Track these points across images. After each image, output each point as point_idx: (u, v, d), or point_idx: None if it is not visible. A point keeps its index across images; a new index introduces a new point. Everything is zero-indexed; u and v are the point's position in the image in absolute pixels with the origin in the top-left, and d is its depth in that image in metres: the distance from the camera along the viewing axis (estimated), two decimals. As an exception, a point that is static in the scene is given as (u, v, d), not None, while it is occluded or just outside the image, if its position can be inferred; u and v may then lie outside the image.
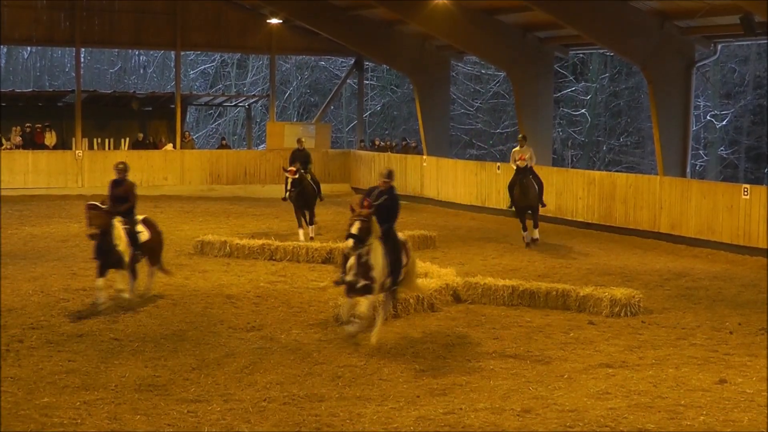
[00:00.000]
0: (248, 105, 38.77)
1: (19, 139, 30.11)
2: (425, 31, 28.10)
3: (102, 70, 51.25)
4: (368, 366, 11.02)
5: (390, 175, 12.60)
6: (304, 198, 20.50)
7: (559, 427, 9.00)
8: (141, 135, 32.04)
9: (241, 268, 17.23)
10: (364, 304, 11.80)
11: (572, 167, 39.60)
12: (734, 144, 43.12)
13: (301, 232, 20.38)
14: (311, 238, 20.15)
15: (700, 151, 42.35)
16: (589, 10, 22.51)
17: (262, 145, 41.99)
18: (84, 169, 29.40)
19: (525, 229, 20.38)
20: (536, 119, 26.82)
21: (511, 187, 20.39)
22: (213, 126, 49.92)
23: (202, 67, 50.46)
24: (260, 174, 31.65)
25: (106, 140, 31.98)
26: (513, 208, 20.71)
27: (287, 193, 20.39)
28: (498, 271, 17.20)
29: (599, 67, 45.02)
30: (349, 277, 11.90)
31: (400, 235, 12.81)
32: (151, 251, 14.27)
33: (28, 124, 30.70)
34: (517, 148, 20.71)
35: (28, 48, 48.49)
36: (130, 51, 48.25)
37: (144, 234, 14.02)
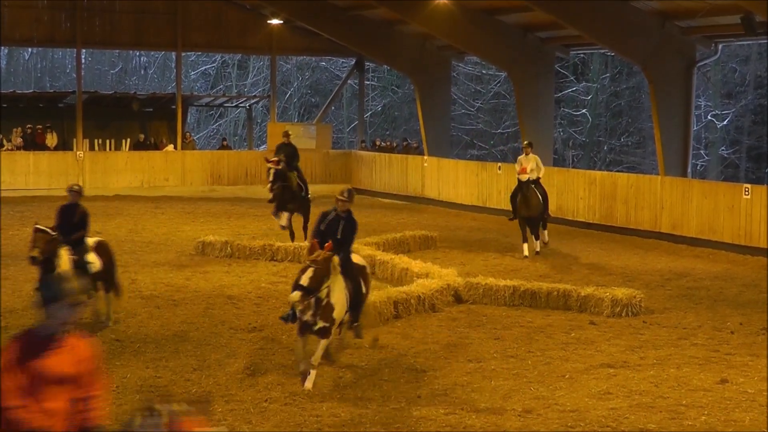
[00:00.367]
0: (249, 106, 38.78)
1: (20, 140, 30.12)
2: (426, 31, 28.09)
3: (103, 71, 51.26)
4: (369, 366, 11.02)
5: (350, 195, 11.19)
6: (290, 195, 18.75)
7: (560, 428, 9.00)
8: (142, 136, 32.05)
9: (242, 268, 17.23)
10: (318, 350, 10.36)
11: (573, 167, 39.56)
12: (735, 144, 43.09)
13: (284, 215, 18.51)
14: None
15: (701, 151, 42.32)
16: (589, 10, 22.51)
17: (263, 146, 41.98)
18: (85, 170, 29.39)
19: (525, 239, 19.08)
20: (537, 119, 26.81)
21: (514, 197, 19.37)
22: (214, 127, 49.92)
23: (203, 67, 50.48)
24: (261, 175, 31.45)
25: (107, 141, 31.98)
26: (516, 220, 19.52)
27: (269, 186, 18.60)
28: (499, 271, 17.20)
29: (600, 67, 45.01)
30: (306, 317, 10.40)
31: (358, 259, 11.53)
32: (104, 281, 12.90)
33: (29, 125, 30.72)
34: (523, 155, 19.49)
35: (29, 49, 48.50)
36: (130, 52, 48.22)
37: (95, 264, 12.62)
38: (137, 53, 50.10)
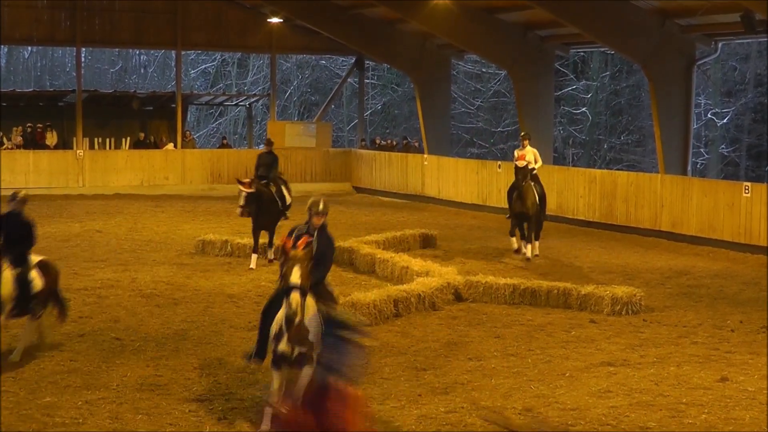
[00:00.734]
0: (249, 104, 38.77)
1: (20, 139, 30.12)
2: (426, 29, 28.08)
3: (103, 70, 51.25)
4: (369, 365, 11.01)
5: (326, 208, 9.29)
6: (266, 214, 17.36)
7: (560, 426, 9.00)
8: (142, 134, 32.05)
9: (242, 267, 17.23)
10: (300, 383, 8.59)
11: (573, 166, 39.60)
12: (735, 142, 43.09)
13: (254, 257, 17.05)
14: (270, 261, 17.32)
15: (701, 149, 42.32)
16: (589, 8, 22.51)
17: (263, 145, 41.95)
18: (85, 168, 29.39)
19: (512, 234, 18.26)
20: (537, 118, 26.80)
21: (510, 193, 18.41)
22: (214, 125, 49.91)
23: (203, 66, 50.47)
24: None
25: (107, 140, 31.98)
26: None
27: (240, 210, 17.16)
28: (499, 269, 17.21)
29: (600, 65, 45.00)
30: (281, 347, 8.80)
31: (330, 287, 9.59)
32: (47, 300, 11.61)
33: (29, 124, 30.72)
34: (519, 148, 18.57)
35: (29, 48, 48.45)
36: (130, 50, 48.24)
37: (37, 282, 11.28)
38: (137, 52, 50.10)
